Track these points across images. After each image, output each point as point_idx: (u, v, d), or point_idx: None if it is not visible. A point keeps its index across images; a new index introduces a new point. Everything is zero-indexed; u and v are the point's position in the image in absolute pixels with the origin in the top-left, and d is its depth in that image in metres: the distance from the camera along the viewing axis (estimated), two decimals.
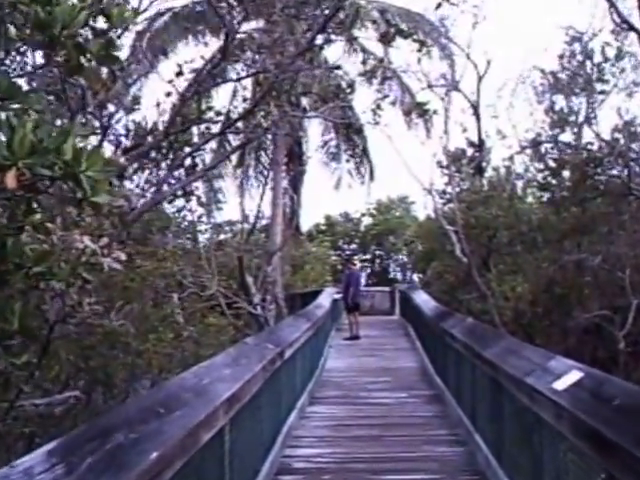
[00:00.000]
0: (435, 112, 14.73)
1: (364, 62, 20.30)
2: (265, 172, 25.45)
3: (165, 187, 9.40)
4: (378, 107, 10.08)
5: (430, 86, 16.51)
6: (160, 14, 20.69)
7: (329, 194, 57.97)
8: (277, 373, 8.45)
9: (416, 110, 10.73)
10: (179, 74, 9.29)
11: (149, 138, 8.80)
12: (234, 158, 26.97)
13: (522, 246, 18.22)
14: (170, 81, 9.26)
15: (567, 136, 18.22)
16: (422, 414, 11.54)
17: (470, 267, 17.76)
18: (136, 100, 10.00)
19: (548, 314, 15.98)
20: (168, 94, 9.19)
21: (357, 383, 14.92)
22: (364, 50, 22.98)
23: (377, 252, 52.88)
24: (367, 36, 18.24)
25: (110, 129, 8.48)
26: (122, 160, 8.33)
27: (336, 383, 14.95)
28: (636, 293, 14.75)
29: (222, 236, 28.43)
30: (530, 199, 21.19)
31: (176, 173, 10.24)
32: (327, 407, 12.21)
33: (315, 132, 28.58)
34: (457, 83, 20.39)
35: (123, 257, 5.25)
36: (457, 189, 19.87)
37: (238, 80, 10.18)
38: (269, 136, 25.23)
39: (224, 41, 9.02)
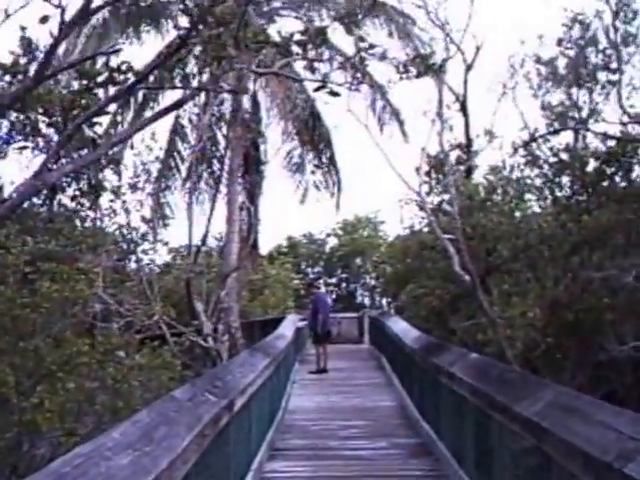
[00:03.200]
0: (442, 67, 12.27)
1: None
2: (218, 181, 22.96)
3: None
4: (362, 57, 7.58)
5: (406, 71, 14.16)
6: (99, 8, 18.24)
7: (292, 212, 55.80)
8: (224, 433, 6.08)
9: (417, 66, 8.35)
10: None
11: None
12: (183, 169, 24.60)
13: (526, 261, 15.83)
14: None
15: (567, 136, 16.15)
16: (411, 472, 9.22)
17: (474, 286, 15.16)
18: None
19: (559, 345, 13.61)
20: (44, 19, 6.59)
21: (327, 428, 12.52)
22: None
23: (343, 275, 50.42)
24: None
25: None
26: None
27: (301, 428, 12.59)
28: None
29: (168, 257, 25.87)
30: (532, 206, 18.81)
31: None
32: (291, 463, 9.82)
33: (275, 137, 25.86)
34: (445, 63, 17.66)
35: None
36: (452, 192, 17.12)
37: None
38: (222, 143, 22.82)
39: None
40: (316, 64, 7.72)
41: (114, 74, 6.43)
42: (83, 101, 6.97)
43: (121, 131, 8.30)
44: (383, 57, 8.58)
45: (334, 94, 7.64)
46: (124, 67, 6.43)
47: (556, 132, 15.76)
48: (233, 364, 8.46)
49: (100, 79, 6.59)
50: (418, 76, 8.26)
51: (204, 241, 18.58)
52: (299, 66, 18.33)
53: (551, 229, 15.11)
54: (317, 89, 7.69)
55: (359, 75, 7.67)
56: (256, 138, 23.70)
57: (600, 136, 15.59)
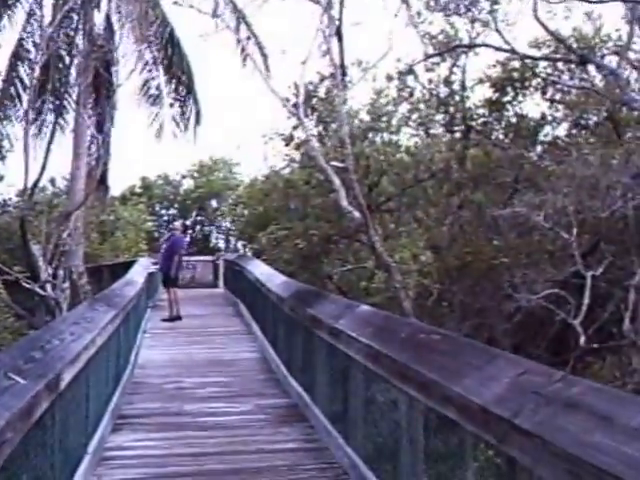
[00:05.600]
0: None
1: None
2: (61, 105, 20.59)
3: None
4: None
5: None
6: None
7: (147, 153, 53.29)
8: (44, 422, 4.45)
9: None
10: None
11: None
12: (25, 98, 21.85)
13: (408, 200, 14.47)
14: None
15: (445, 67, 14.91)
16: (284, 444, 7.78)
17: (366, 223, 13.40)
18: None
19: (445, 291, 12.37)
20: None
21: (182, 387, 10.96)
22: None
23: (198, 218, 48.59)
24: None
25: None
26: None
27: (153, 387, 10.96)
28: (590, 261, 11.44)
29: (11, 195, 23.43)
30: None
31: None
32: (139, 436, 8.20)
33: (131, 65, 23.26)
34: None
35: None
36: (341, 110, 15.30)
37: None
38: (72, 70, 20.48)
39: None
40: None
41: None
42: None
43: None
44: None
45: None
46: None
47: (450, 50, 14.45)
48: (64, 323, 6.61)
49: None
50: None
51: (41, 175, 16.21)
52: None
53: (444, 162, 13.89)
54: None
55: None
56: (109, 60, 21.25)
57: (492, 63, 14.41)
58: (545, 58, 14.07)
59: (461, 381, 3.71)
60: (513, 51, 13.67)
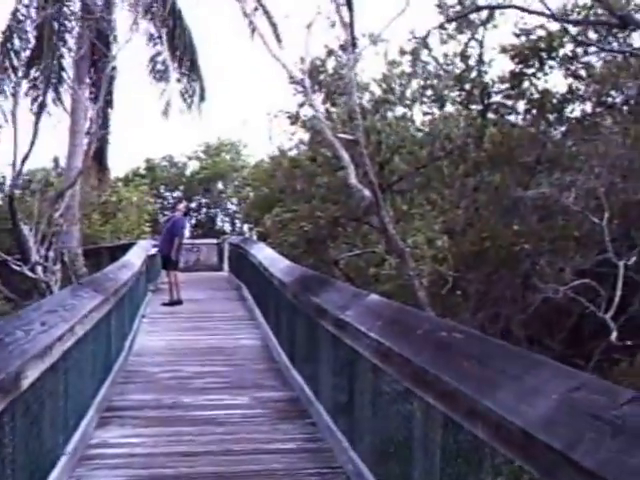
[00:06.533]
0: None
1: None
2: (55, 73, 19.87)
3: None
4: None
5: None
6: None
7: (153, 135, 52.83)
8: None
9: None
10: None
11: None
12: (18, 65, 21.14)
13: (421, 181, 13.64)
14: None
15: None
16: (282, 444, 7.12)
17: (377, 202, 12.41)
18: None
19: (460, 279, 11.60)
20: None
21: (178, 376, 10.35)
22: None
23: (203, 200, 47.86)
24: None
25: None
26: None
27: (147, 376, 10.39)
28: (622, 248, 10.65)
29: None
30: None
31: None
32: (127, 431, 7.57)
33: (136, 41, 22.48)
34: None
35: None
36: (351, 77, 14.40)
37: None
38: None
39: None
40: None
41: None
42: None
43: None
44: None
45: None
46: None
47: (472, 12, 13.63)
48: (37, 311, 5.81)
49: None
50: None
51: (29, 152, 15.44)
52: None
53: (462, 138, 13.11)
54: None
55: None
56: (103, 30, 20.45)
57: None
58: (581, 21, 13.19)
59: (493, 393, 3.01)
60: (547, 14, 12.73)
